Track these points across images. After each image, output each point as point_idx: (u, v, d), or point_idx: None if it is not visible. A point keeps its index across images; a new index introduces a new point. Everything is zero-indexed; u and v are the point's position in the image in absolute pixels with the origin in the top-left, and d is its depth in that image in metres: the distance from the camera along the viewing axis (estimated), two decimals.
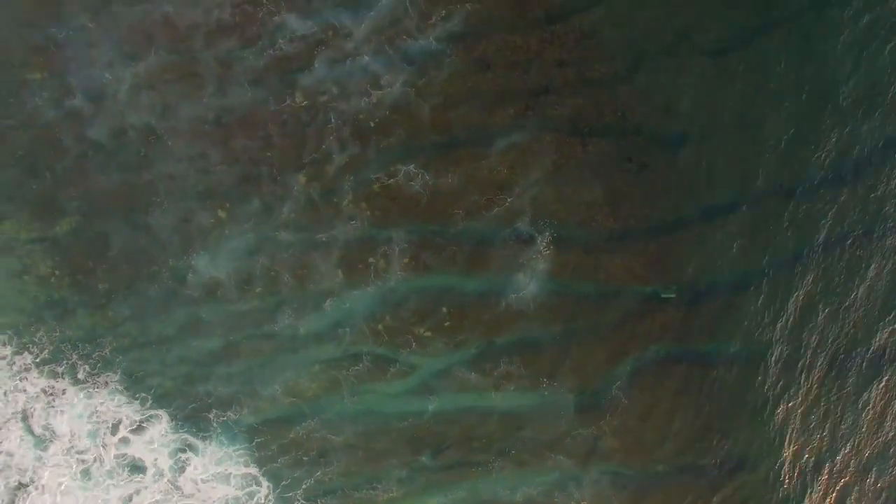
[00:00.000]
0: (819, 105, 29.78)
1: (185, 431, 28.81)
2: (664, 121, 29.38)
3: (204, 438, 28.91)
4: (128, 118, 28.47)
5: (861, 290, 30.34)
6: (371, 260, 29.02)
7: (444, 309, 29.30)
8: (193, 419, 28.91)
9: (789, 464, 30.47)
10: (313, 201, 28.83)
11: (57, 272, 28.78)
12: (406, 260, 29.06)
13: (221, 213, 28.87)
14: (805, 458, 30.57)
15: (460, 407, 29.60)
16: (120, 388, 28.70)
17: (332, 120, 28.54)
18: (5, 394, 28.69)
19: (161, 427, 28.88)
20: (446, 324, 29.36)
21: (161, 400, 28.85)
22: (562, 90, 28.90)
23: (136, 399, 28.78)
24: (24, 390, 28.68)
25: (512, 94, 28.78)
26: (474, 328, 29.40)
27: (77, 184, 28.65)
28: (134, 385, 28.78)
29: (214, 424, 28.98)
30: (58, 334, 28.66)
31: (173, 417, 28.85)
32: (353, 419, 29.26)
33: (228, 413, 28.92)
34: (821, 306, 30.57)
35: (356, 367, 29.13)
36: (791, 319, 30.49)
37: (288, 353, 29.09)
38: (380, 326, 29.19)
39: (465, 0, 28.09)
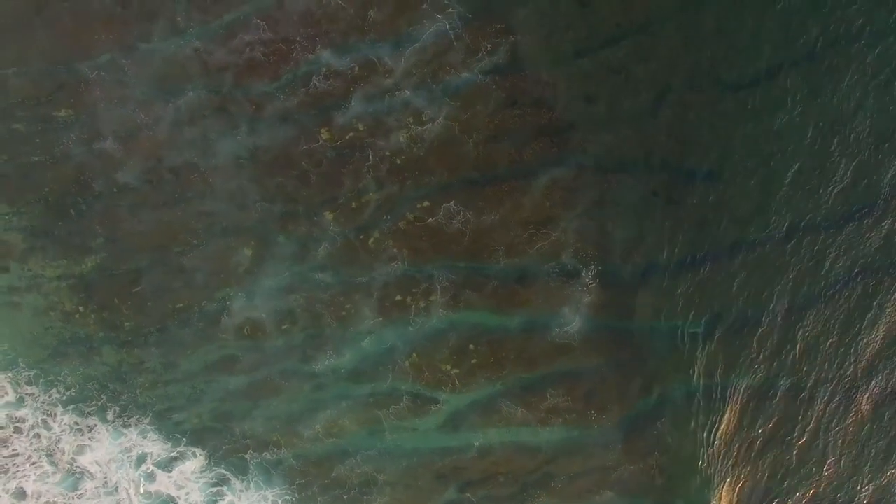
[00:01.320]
0: (839, 139, 29.40)
1: (221, 471, 28.76)
2: (690, 155, 29.01)
3: (241, 479, 28.88)
4: (159, 157, 28.50)
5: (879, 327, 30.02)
6: (411, 298, 28.95)
7: (487, 345, 29.18)
8: (229, 459, 28.88)
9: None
10: (351, 240, 28.76)
11: (82, 309, 28.89)
12: (447, 297, 28.96)
13: (252, 252, 28.78)
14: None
15: (506, 442, 29.46)
16: (151, 426, 28.78)
17: (370, 157, 28.45)
18: (32, 429, 28.78)
19: (195, 465, 28.87)
20: (490, 359, 29.25)
21: (195, 439, 28.90)
22: (588, 126, 28.66)
23: (170, 438, 28.82)
24: (51, 427, 28.76)
25: (539, 130, 28.57)
26: (518, 363, 29.24)
27: (103, 221, 28.77)
28: (166, 424, 28.91)
29: (251, 465, 28.95)
30: (83, 371, 28.77)
31: (208, 457, 28.85)
32: (396, 456, 29.20)
33: (265, 453, 28.88)
34: (836, 340, 30.29)
35: (397, 406, 29.07)
36: (816, 352, 30.22)
37: (328, 392, 29.10)
38: (421, 364, 29.14)
39: (501, 34, 27.81)
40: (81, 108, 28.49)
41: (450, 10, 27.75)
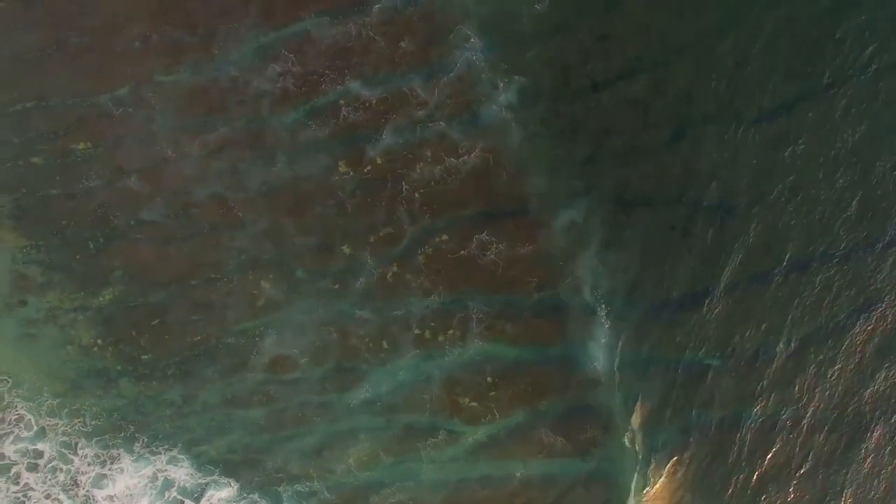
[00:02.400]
0: (859, 172, 29.45)
1: (254, 498, 28.67)
2: (707, 188, 29.06)
3: None
4: (182, 190, 28.55)
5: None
6: (447, 329, 28.96)
7: (524, 375, 29.19)
8: (261, 491, 28.78)
9: None
10: (384, 272, 28.77)
11: (100, 342, 28.84)
12: (482, 328, 28.97)
13: (272, 285, 28.77)
14: None
15: (546, 473, 29.35)
16: (181, 455, 28.67)
17: (404, 188, 28.48)
18: (52, 461, 28.72)
19: (225, 494, 28.72)
20: (527, 389, 29.25)
21: (224, 470, 28.80)
22: (607, 159, 28.69)
23: (200, 468, 28.72)
24: (72, 460, 28.69)
25: (558, 163, 28.62)
26: (555, 394, 29.24)
27: (121, 254, 28.72)
28: (193, 454, 28.74)
29: (284, 498, 28.85)
30: (102, 404, 28.68)
31: (239, 490, 28.72)
32: (433, 486, 29.07)
33: (298, 486, 28.78)
34: (852, 370, 30.22)
35: (434, 438, 29.08)
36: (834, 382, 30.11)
37: (362, 424, 29.00)
38: (458, 394, 29.17)
39: (517, 71, 27.98)
40: (100, 141, 28.55)
41: (472, 39, 27.87)
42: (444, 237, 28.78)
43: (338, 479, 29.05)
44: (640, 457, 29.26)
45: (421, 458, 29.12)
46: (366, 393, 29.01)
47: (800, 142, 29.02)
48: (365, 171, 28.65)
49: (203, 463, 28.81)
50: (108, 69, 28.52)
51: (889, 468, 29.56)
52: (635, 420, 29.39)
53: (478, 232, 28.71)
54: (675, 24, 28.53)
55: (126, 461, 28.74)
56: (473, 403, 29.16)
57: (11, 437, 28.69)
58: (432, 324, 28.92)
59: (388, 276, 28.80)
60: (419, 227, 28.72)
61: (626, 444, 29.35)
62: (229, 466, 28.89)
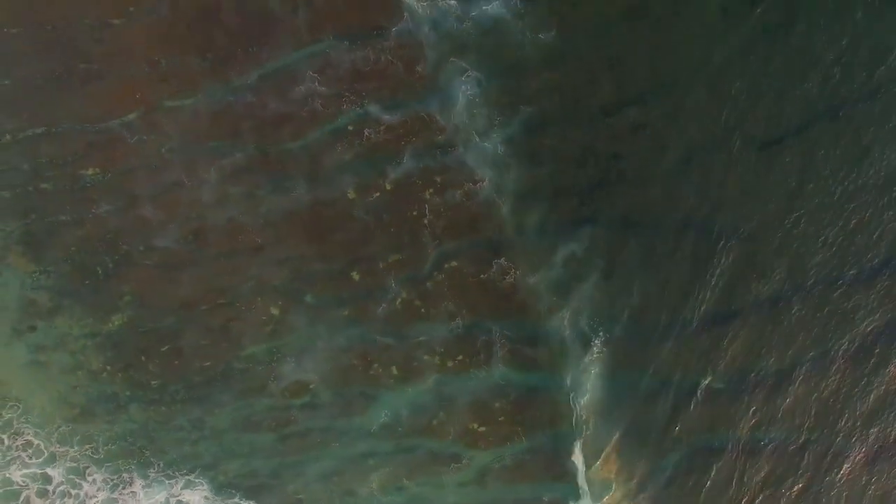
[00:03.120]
0: (868, 197, 29.46)
1: None
2: (715, 213, 29.06)
3: None
4: (193, 216, 28.54)
5: None
6: (468, 354, 29.11)
7: (541, 403, 29.46)
8: None
9: None
10: (405, 296, 28.80)
11: (109, 367, 28.89)
12: (505, 352, 29.11)
13: (280, 311, 28.80)
14: None
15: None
16: (196, 480, 28.73)
17: (427, 214, 28.59)
18: (61, 486, 28.72)
19: None
20: (552, 413, 29.52)
21: (245, 495, 28.92)
22: (616, 185, 28.70)
23: (218, 494, 28.76)
24: (81, 485, 28.71)
25: (567, 189, 28.64)
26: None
27: (130, 280, 28.71)
28: (211, 479, 28.84)
29: None
30: (112, 429, 28.78)
31: None
32: None
33: None
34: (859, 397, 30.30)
35: (457, 463, 29.21)
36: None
37: (384, 448, 29.10)
38: (482, 419, 29.41)
39: (525, 101, 27.99)
40: (110, 167, 28.51)
41: (468, 73, 27.87)
42: (463, 261, 28.83)
43: (359, 503, 29.16)
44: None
45: (443, 483, 29.20)
46: (385, 417, 29.07)
47: (812, 166, 29.01)
48: (383, 195, 28.62)
49: (221, 486, 28.89)
50: (118, 95, 28.44)
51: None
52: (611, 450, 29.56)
53: (496, 257, 28.82)
54: (687, 49, 28.45)
55: (138, 486, 28.77)
56: (499, 427, 29.28)
57: (20, 463, 28.69)
58: (452, 348, 29.00)
59: (407, 301, 28.81)
60: (438, 252, 28.80)
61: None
62: (248, 490, 28.97)
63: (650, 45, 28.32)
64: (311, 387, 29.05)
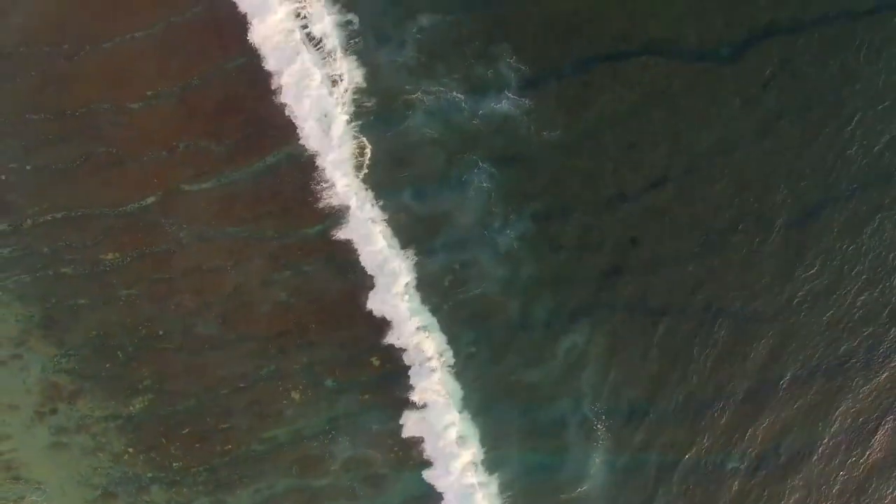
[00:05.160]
0: (885, 276, 29.66)
1: None
2: (734, 297, 29.21)
3: None
4: (208, 302, 28.89)
5: None
6: None
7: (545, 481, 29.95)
8: None
9: None
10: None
11: (131, 450, 29.17)
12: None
13: (301, 395, 29.09)
14: None
15: None
16: None
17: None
18: None
19: None
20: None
21: None
22: (634, 269, 28.79)
23: None
24: None
25: (585, 274, 28.73)
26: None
27: (150, 363, 28.91)
28: None
29: None
30: None
31: None
32: None
33: None
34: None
35: None
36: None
37: None
38: None
39: (533, 197, 28.09)
40: (129, 251, 28.64)
41: (479, 166, 27.82)
42: None
43: None
44: None
45: None
46: (399, 498, 29.41)
47: (830, 246, 29.17)
48: None
49: None
50: (136, 179, 28.51)
51: None
52: None
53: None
54: (703, 132, 28.44)
55: None
56: None
57: None
58: None
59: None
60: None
61: None
62: None
63: (667, 131, 28.31)
64: (333, 468, 29.32)
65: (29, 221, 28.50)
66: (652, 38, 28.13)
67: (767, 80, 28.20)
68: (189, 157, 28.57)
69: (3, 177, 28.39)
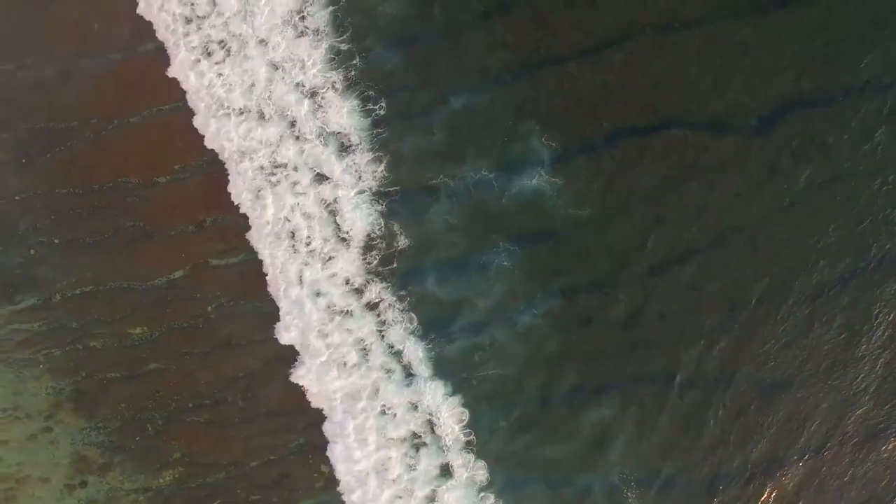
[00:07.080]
0: None
1: None
2: (761, 368, 29.22)
3: None
4: (243, 376, 29.26)
5: None
6: None
7: None
8: None
9: None
10: None
11: None
12: None
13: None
14: None
15: None
16: None
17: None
18: None
19: None
20: None
21: None
22: (661, 342, 28.79)
23: None
24: None
25: (612, 348, 28.74)
26: None
27: (180, 436, 29.03)
28: None
29: None
30: None
31: None
32: None
33: None
34: None
35: None
36: None
37: None
38: None
39: (566, 268, 28.03)
40: (157, 325, 28.79)
41: (500, 246, 27.77)
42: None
43: None
44: None
45: None
46: None
47: (858, 317, 29.13)
48: None
49: None
50: (164, 253, 28.70)
51: None
52: None
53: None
54: (732, 204, 28.42)
55: None
56: None
57: None
58: None
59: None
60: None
61: None
62: None
63: (695, 204, 28.28)
64: None
65: (58, 296, 28.67)
66: (680, 110, 28.12)
67: (797, 152, 28.14)
68: (217, 231, 28.69)
69: (33, 251, 28.54)
